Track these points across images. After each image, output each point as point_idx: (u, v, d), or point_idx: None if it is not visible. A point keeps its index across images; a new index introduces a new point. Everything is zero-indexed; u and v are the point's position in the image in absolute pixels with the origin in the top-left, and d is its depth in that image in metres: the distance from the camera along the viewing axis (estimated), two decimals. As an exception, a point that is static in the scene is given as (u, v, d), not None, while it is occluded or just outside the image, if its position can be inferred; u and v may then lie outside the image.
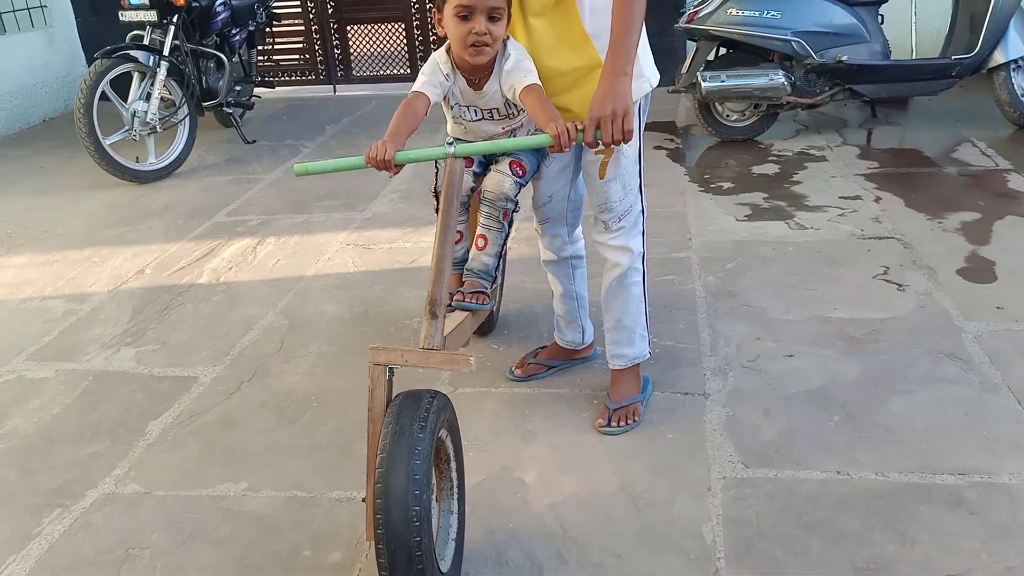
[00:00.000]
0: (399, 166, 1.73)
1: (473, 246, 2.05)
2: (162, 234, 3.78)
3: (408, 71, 6.54)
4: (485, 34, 1.77)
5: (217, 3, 4.83)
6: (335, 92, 6.65)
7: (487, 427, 2.19)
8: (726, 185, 3.95)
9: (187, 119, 4.66)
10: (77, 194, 4.42)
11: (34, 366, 2.67)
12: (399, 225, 3.69)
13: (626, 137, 1.69)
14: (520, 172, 2.00)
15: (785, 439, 2.06)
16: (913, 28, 4.65)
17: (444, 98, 1.96)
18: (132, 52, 4.39)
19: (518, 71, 1.84)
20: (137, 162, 4.52)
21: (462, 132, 2.08)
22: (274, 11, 5.69)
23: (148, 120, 4.46)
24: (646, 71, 1.97)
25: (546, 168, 2.11)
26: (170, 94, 4.62)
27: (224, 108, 5.08)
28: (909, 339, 2.48)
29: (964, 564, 1.64)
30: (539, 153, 2.04)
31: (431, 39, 6.39)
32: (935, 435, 2.03)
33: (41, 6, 6.24)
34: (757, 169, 4.15)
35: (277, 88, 6.33)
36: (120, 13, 4.55)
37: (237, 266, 3.37)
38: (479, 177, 2.05)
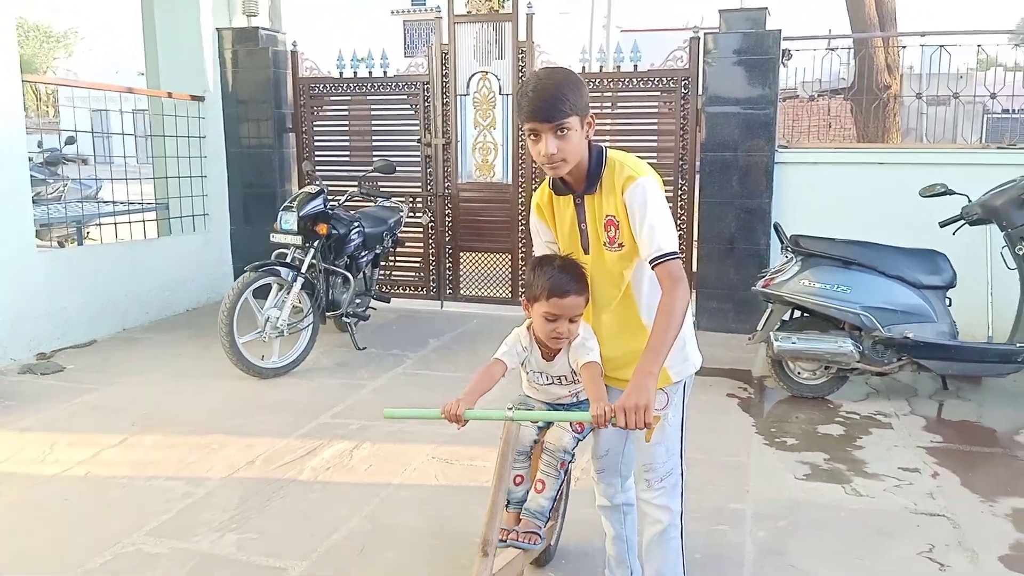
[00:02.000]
0: (467, 421, 2.11)
1: (532, 489, 2.39)
2: (273, 429, 4.26)
3: (509, 295, 7.15)
4: (566, 333, 2.27)
5: (353, 231, 5.61)
6: (442, 307, 7.30)
7: (533, 653, 2.42)
8: (790, 441, 4.18)
9: (311, 326, 5.30)
10: (205, 382, 5.02)
11: (151, 541, 3.07)
12: (480, 444, 4.03)
13: (646, 424, 1.97)
14: (579, 429, 2.39)
15: None
16: (990, 309, 4.90)
17: (521, 363, 2.40)
18: (276, 267, 5.13)
19: (582, 349, 2.29)
20: (262, 360, 5.12)
21: (534, 392, 2.50)
22: (399, 237, 6.47)
23: (278, 325, 5.11)
24: (691, 356, 2.38)
25: (605, 430, 2.45)
26: (300, 303, 5.30)
27: (343, 318, 5.73)
28: (943, 621, 2.60)
29: None
30: None
31: (533, 270, 7.02)
32: None
33: (204, 214, 7.26)
34: (823, 428, 4.38)
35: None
36: (271, 235, 5.35)
37: (334, 467, 3.78)
38: (542, 430, 2.43)
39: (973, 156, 5.85)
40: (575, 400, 2.46)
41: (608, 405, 2.03)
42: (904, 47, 7.58)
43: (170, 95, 6.88)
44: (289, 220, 5.25)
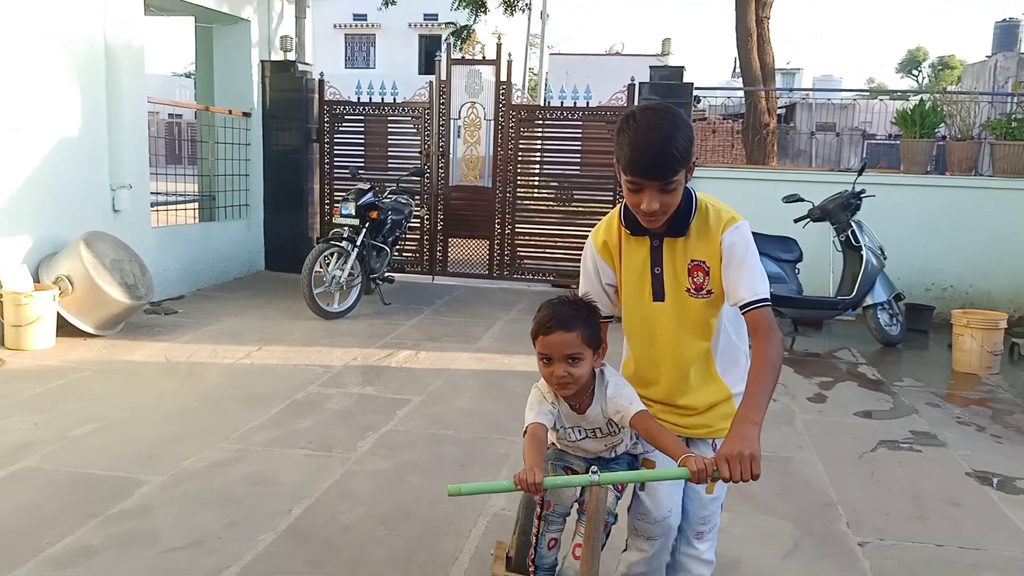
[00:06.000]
0: (546, 490, 1.91)
1: (570, 554, 2.21)
2: (356, 344, 6.35)
3: (486, 272, 9.34)
4: (564, 376, 2.04)
5: (389, 217, 7.73)
6: (432, 280, 9.43)
7: None
8: (694, 355, 6.50)
9: (360, 284, 7.39)
10: (288, 322, 7.05)
11: (322, 389, 5.17)
12: (498, 352, 6.22)
13: (754, 477, 1.81)
14: (620, 488, 2.23)
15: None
16: (832, 276, 7.39)
17: (552, 425, 2.15)
18: (338, 242, 7.21)
19: (622, 398, 2.08)
20: (328, 306, 7.18)
21: (568, 448, 2.27)
22: (410, 224, 8.62)
23: (340, 283, 7.19)
24: None
25: (664, 485, 2.26)
26: (352, 269, 7.38)
27: (377, 281, 7.83)
28: (768, 419, 4.93)
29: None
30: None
31: (506, 253, 9.23)
32: (766, 446, 4.46)
33: (246, 204, 9.22)
34: (714, 349, 6.72)
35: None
36: (334, 218, 7.43)
37: (409, 361, 5.92)
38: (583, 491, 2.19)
39: (819, 176, 8.42)
40: (613, 455, 2.29)
41: (703, 457, 1.86)
42: (778, 96, 10.10)
43: (230, 112, 8.85)
44: (349, 208, 7.33)
